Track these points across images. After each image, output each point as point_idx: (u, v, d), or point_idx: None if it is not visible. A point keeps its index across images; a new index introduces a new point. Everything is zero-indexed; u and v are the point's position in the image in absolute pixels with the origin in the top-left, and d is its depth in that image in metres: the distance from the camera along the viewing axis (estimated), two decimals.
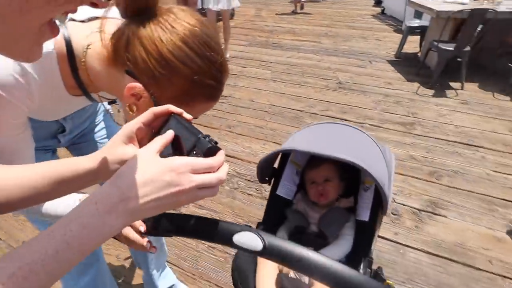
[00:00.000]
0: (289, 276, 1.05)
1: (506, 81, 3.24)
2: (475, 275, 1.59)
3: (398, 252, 1.72)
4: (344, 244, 1.10)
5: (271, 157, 1.06)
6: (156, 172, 0.39)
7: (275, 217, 1.26)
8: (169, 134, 0.44)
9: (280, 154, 1.29)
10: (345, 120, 2.93)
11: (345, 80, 3.74)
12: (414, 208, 1.98)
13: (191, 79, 0.53)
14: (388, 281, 1.00)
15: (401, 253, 1.72)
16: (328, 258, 0.51)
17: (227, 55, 4.45)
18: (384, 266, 1.65)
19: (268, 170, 1.24)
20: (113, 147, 0.47)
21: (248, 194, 2.17)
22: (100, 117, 1.05)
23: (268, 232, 0.53)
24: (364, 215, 1.10)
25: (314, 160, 1.29)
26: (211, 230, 0.52)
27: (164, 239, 1.44)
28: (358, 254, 1.08)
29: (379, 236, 1.81)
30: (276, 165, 1.29)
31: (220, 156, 0.44)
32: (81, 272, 1.09)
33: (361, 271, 1.03)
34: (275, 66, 4.22)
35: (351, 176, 1.28)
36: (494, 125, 2.76)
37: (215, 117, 3.13)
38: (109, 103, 0.99)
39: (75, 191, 0.51)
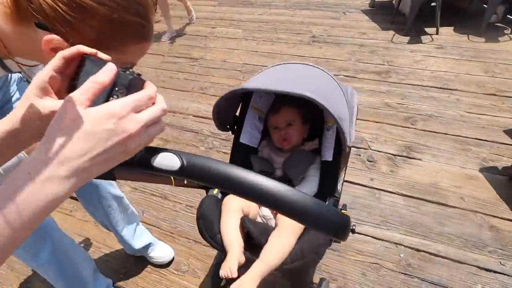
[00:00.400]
0: (255, 220, 0.99)
1: (481, 22, 3.17)
2: (448, 212, 1.60)
3: (374, 196, 1.71)
4: (309, 185, 1.04)
5: (226, 101, 0.96)
6: (94, 123, 0.33)
7: (240, 165, 1.18)
8: (99, 77, 0.36)
9: (241, 102, 1.19)
10: None
11: (319, 33, 3.59)
12: (389, 153, 1.95)
13: (110, 18, 0.47)
14: (344, 211, 0.96)
15: (376, 197, 1.70)
16: (260, 176, 0.44)
17: (193, 16, 4.19)
18: (360, 211, 1.64)
19: (229, 118, 1.15)
20: (27, 102, 0.41)
21: (223, 152, 2.10)
22: (14, 87, 0.95)
23: None
24: (328, 155, 1.04)
25: (275, 105, 1.20)
26: (131, 159, 0.46)
27: (129, 203, 1.36)
28: (324, 194, 1.03)
29: (355, 183, 1.79)
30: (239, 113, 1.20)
31: (150, 85, 0.40)
32: (36, 248, 1.03)
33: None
34: (246, 24, 4.00)
35: (314, 118, 1.21)
36: (469, 68, 2.72)
37: (187, 80, 2.97)
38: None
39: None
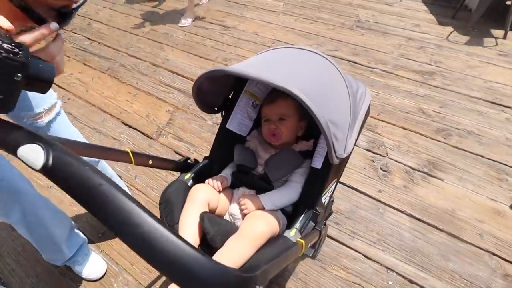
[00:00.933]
0: (219, 218, 0.88)
1: None
2: (459, 247, 1.39)
3: (377, 210, 1.53)
4: (288, 191, 0.91)
5: (208, 80, 0.83)
6: None
7: (222, 153, 1.07)
8: None
9: (234, 83, 1.05)
10: (354, 63, 2.56)
11: (365, 18, 3.24)
12: (408, 166, 1.73)
13: None
14: (301, 240, 0.81)
15: (380, 212, 1.53)
16: (130, 201, 0.31)
17: None
18: (357, 223, 1.48)
19: (215, 99, 1.02)
20: None
21: None
22: None
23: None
24: (317, 162, 0.89)
25: (272, 94, 1.05)
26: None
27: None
28: (306, 204, 0.90)
29: (359, 191, 1.61)
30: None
31: None
32: (6, 209, 1.00)
33: (298, 223, 0.85)
34: None
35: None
36: None
37: (213, 48, 2.84)
38: None
39: None
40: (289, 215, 0.93)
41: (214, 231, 0.81)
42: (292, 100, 0.99)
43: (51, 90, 0.97)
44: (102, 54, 2.84)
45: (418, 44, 2.80)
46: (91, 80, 2.51)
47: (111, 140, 1.97)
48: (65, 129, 1.09)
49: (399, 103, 2.16)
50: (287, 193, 0.90)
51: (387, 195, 1.60)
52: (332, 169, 0.86)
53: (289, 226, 0.87)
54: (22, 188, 1.05)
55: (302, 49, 0.87)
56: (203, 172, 0.99)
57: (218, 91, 0.98)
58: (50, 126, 1.02)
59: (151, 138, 1.98)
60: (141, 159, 0.82)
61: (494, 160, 1.77)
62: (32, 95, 0.96)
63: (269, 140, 1.00)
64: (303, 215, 0.86)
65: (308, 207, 0.89)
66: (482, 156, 1.79)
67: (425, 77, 2.40)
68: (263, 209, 0.88)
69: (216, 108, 1.03)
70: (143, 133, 2.01)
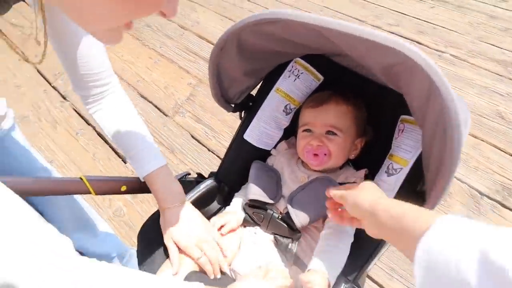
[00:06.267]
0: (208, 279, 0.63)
1: None
2: None
3: None
4: (341, 256, 0.62)
5: (237, 42, 0.55)
6: None
7: (235, 170, 0.79)
8: None
9: (264, 77, 0.74)
10: (418, 43, 2.10)
11: None
12: (475, 189, 1.37)
13: None
14: None
15: None
16: None
17: None
18: (398, 258, 1.18)
19: (236, 89, 0.72)
20: None
21: None
22: None
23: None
24: None
25: (319, 94, 0.74)
26: None
27: None
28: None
29: None
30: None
31: None
32: None
33: None
34: None
35: (377, 134, 0.73)
36: None
37: (251, 12, 2.46)
38: None
39: None
40: None
41: None
42: (348, 106, 0.68)
43: None
44: None
45: (503, 24, 2.24)
46: None
47: None
48: (20, 151, 0.77)
49: (471, 101, 1.72)
50: (332, 263, 0.60)
51: None
52: None
53: None
54: None
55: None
56: (205, 197, 0.73)
57: (243, 74, 0.67)
58: (1, 147, 0.73)
59: (166, 115, 1.74)
60: (106, 185, 0.58)
61: None
62: None
63: (307, 160, 0.70)
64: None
65: (345, 276, 0.61)
66: None
67: (509, 70, 1.90)
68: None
69: (233, 105, 0.74)
70: (158, 109, 1.78)
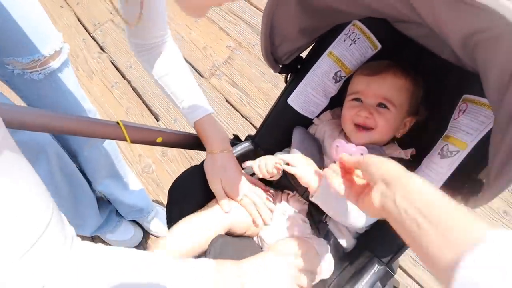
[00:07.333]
0: (234, 242, 0.63)
1: None
2: None
3: None
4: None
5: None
6: None
7: (273, 136, 0.76)
8: None
9: (317, 38, 0.68)
10: None
11: None
12: None
13: None
14: None
15: None
16: None
17: None
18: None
19: (287, 48, 0.67)
20: None
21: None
22: None
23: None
24: None
25: (373, 64, 0.68)
26: None
27: None
28: (375, 252, 0.60)
29: None
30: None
31: None
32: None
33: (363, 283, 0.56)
34: None
35: (432, 114, 0.67)
36: None
37: None
38: None
39: None
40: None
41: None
42: (407, 80, 0.62)
43: (54, 28, 0.70)
44: None
45: None
46: None
47: None
48: (70, 88, 0.76)
49: None
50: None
51: None
52: None
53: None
54: (46, 139, 0.86)
55: None
56: (241, 160, 0.71)
57: (298, 31, 0.62)
58: (51, 82, 0.72)
59: (202, 77, 1.72)
60: (142, 133, 0.58)
61: None
62: (24, 33, 0.63)
63: (349, 132, 0.66)
64: (372, 271, 0.56)
65: (379, 258, 0.58)
66: None
67: None
68: None
69: (281, 66, 0.70)
70: (195, 69, 1.75)
